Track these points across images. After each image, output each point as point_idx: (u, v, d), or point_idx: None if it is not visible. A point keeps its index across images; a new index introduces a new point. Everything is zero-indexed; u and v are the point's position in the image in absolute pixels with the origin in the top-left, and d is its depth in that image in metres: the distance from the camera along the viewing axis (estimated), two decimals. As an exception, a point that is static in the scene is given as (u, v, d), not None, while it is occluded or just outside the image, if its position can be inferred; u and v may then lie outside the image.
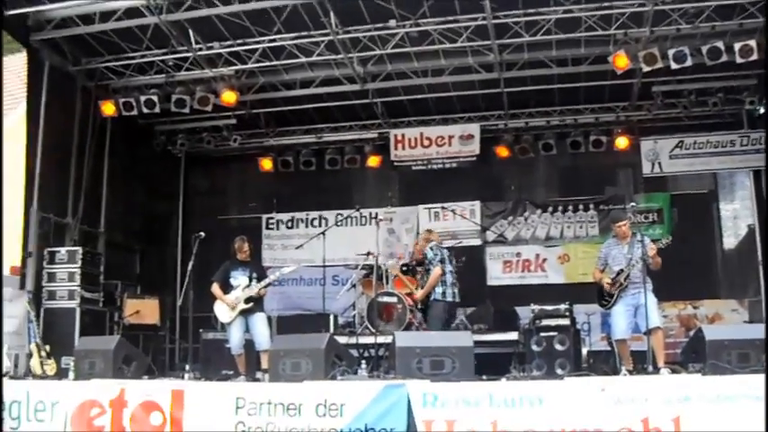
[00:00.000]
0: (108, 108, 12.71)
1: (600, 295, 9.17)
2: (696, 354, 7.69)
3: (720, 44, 10.95)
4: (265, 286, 9.95)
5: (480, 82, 13.48)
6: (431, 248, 10.81)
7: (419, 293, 10.77)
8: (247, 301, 9.79)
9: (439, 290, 10.58)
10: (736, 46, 10.85)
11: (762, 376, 6.50)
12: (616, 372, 8.88)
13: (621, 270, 8.88)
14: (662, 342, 8.78)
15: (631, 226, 9.19)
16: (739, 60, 10.91)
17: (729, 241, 14.70)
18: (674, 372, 8.01)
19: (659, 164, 14.29)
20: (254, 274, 9.97)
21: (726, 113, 13.85)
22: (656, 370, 8.12)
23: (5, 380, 8.78)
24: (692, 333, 11.09)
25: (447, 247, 11.32)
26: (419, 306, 10.89)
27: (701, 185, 14.83)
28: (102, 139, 13.24)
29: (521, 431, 6.64)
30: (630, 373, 8.38)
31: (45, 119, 11.72)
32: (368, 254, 11.86)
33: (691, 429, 6.40)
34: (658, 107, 13.88)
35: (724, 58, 10.98)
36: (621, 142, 14.24)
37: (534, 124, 14.86)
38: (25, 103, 12.31)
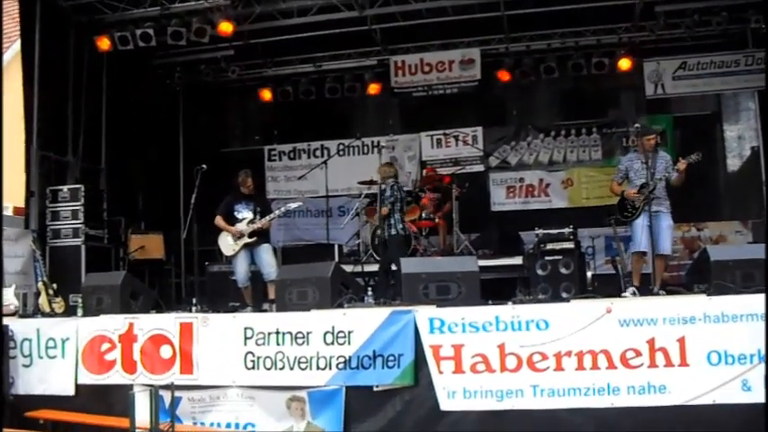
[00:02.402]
0: (103, 43, 12.51)
1: (621, 208, 9.00)
2: (701, 274, 7.71)
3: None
4: (269, 220, 9.98)
5: (480, 5, 13.21)
6: (390, 187, 10.68)
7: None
8: (251, 235, 9.81)
9: (400, 225, 10.53)
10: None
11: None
12: (621, 294, 8.93)
13: (646, 183, 8.71)
14: (663, 269, 8.78)
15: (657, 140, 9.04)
16: (745, -24, 10.68)
17: (733, 163, 14.65)
18: (672, 293, 8.03)
19: (662, 85, 14.08)
20: (259, 208, 9.99)
21: (730, 33, 13.50)
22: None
23: (16, 318, 8.89)
24: (696, 255, 11.11)
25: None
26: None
27: (704, 107, 14.69)
28: (100, 75, 13.09)
29: (528, 354, 6.74)
30: (637, 291, 8.38)
31: (40, 57, 11.56)
32: (371, 182, 11.85)
33: (695, 349, 6.48)
34: (661, 27, 13.59)
35: (729, -26, 10.75)
36: (624, 64, 14.02)
37: (535, 47, 14.61)
38: (19, 42, 12.14)
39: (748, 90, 14.00)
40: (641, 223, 8.73)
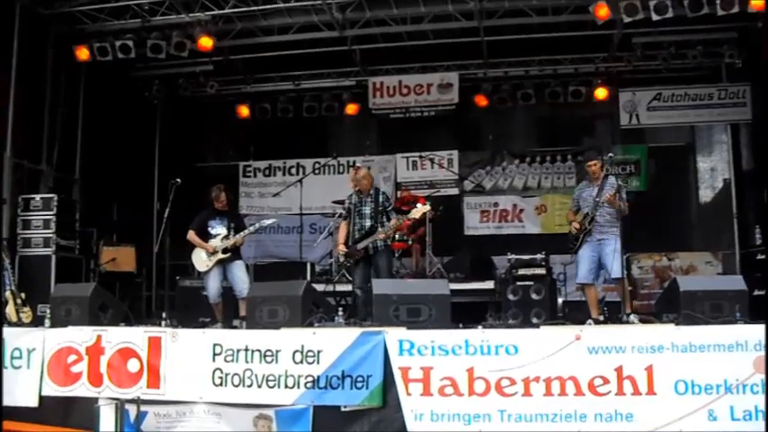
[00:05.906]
0: (82, 53, 12.47)
1: (570, 239, 9.11)
2: (670, 304, 7.76)
3: (702, -5, 10.89)
4: (244, 237, 9.92)
5: (460, 30, 13.30)
6: (382, 194, 9.98)
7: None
8: (225, 251, 9.75)
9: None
10: (718, -2, 10.80)
11: (734, 327, 6.64)
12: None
13: (587, 213, 8.81)
14: (626, 291, 8.77)
15: (607, 169, 9.08)
16: (720, 13, 10.81)
17: (705, 194, 14.83)
18: (642, 321, 8.08)
19: (637, 116, 14.23)
20: (232, 224, 9.90)
21: (705, 66, 13.81)
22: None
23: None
24: (666, 284, 11.20)
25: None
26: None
27: (678, 138, 14.92)
28: (77, 84, 13.05)
29: (496, 378, 6.73)
30: (596, 322, 8.38)
31: (17, 64, 11.47)
32: (344, 202, 11.83)
33: (663, 378, 6.52)
34: (638, 59, 13.83)
35: (705, 10, 10.86)
36: (600, 93, 14.23)
37: (513, 74, 14.79)
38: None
39: (721, 123, 14.24)
40: (583, 255, 8.83)
